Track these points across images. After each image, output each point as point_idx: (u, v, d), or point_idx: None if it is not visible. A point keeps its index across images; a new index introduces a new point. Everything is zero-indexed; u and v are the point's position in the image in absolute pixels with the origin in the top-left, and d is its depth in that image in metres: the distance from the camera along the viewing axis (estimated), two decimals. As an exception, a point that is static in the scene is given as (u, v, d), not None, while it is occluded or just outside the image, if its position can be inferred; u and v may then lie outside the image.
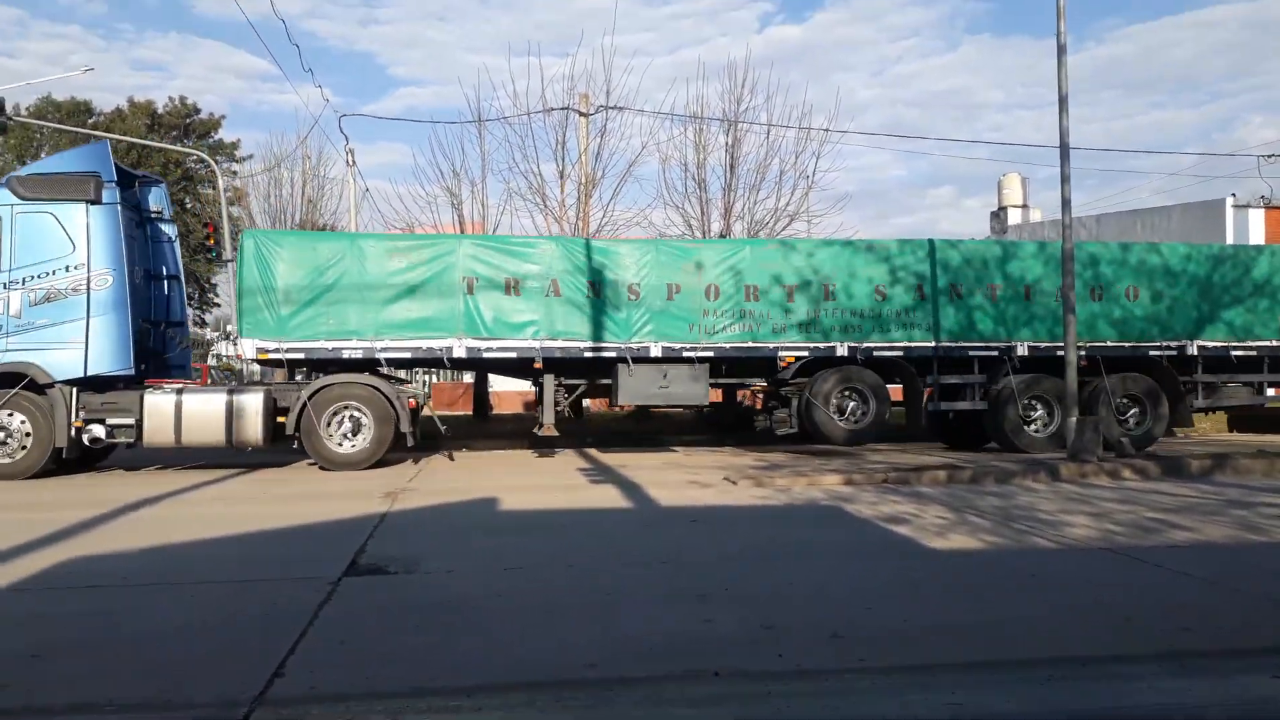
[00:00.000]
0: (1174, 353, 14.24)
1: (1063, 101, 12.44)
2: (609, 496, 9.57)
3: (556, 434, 13.73)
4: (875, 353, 13.71)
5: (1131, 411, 14.11)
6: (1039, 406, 14.01)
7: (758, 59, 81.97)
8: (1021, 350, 13.94)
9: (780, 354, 13.68)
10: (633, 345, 13.19)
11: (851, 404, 13.64)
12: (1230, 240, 27.51)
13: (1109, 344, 14.09)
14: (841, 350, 13.57)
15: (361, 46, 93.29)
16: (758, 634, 4.38)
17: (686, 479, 10.88)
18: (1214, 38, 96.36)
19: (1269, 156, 25.46)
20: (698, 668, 3.87)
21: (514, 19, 72.52)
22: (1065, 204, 12.49)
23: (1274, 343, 14.63)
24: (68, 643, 4.36)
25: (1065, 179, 12.43)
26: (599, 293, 13.12)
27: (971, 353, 13.98)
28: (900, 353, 13.80)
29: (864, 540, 7.16)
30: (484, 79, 36.88)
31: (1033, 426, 13.98)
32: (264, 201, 28.99)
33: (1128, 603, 4.99)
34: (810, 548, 6.96)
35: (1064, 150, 12.44)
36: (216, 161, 36.94)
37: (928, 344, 13.80)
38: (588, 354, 13.16)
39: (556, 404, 13.54)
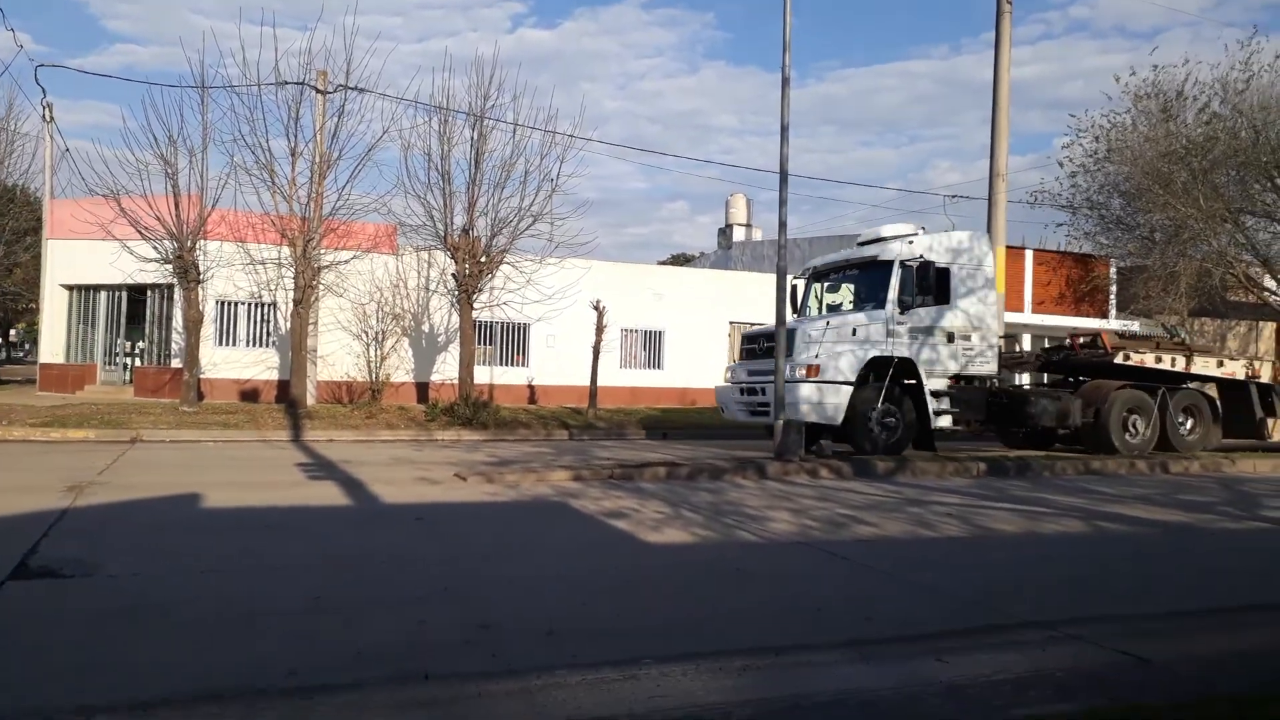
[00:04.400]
0: None
1: (784, 130, 13.38)
2: (328, 494, 9.11)
3: None
4: None
5: None
6: None
7: (507, 58, 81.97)
8: None
9: None
10: None
11: None
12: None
13: None
14: None
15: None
16: (474, 634, 4.33)
17: (416, 475, 10.60)
18: (914, 89, 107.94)
19: (952, 197, 29.12)
20: (408, 670, 3.77)
21: (249, -19, 67.51)
22: (782, 225, 13.46)
23: None
24: None
25: (783, 202, 13.41)
26: None
27: None
28: None
29: (586, 536, 7.30)
30: (211, 44, 33.91)
31: None
32: (-65, 154, 25.07)
33: (819, 595, 5.45)
34: (533, 544, 7.01)
35: (783, 175, 13.39)
36: None
37: None
38: None
39: None
